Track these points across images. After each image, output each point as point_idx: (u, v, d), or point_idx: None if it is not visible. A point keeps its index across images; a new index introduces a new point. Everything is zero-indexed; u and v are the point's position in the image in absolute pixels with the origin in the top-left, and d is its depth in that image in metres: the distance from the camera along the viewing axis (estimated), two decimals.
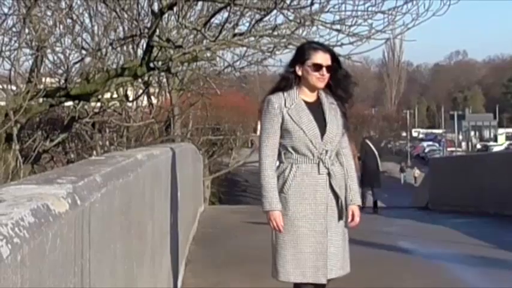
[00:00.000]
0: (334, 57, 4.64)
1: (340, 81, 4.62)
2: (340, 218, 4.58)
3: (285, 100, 4.52)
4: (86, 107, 10.77)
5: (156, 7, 8.28)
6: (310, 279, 4.49)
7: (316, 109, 4.56)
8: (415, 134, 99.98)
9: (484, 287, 7.25)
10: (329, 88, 4.61)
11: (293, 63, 4.61)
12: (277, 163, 4.61)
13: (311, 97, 4.60)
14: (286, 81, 4.59)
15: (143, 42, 9.11)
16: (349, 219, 4.62)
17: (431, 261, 8.61)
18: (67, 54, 9.25)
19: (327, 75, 4.53)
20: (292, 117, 4.49)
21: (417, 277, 7.49)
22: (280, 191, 4.51)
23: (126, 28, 9.46)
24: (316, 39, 8.43)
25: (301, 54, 4.61)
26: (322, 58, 4.53)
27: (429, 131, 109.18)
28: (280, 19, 8.46)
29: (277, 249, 4.55)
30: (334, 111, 4.59)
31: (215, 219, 13.61)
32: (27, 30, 8.61)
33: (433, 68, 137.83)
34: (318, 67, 4.51)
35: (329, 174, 4.51)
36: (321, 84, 4.55)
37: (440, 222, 12.65)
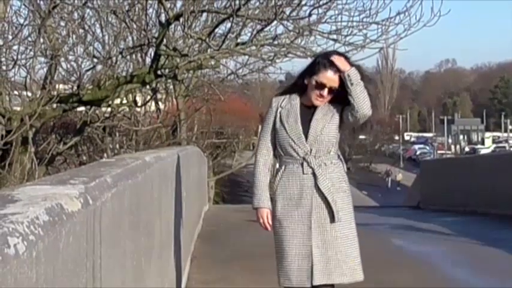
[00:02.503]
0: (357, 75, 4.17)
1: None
2: (332, 220, 4.18)
3: (284, 100, 4.34)
4: (97, 112, 10.78)
5: (163, 18, 8.30)
6: (294, 283, 4.17)
7: (309, 111, 4.29)
8: (407, 138, 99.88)
9: (472, 282, 7.25)
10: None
11: (304, 73, 4.35)
12: (277, 165, 4.44)
13: (311, 102, 4.31)
14: (294, 88, 4.39)
15: (151, 51, 9.12)
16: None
17: (423, 257, 8.61)
18: (79, 62, 9.27)
19: (327, 97, 4.24)
20: (282, 117, 4.30)
21: (409, 273, 7.48)
22: (271, 191, 4.33)
23: (135, 38, 9.47)
24: (313, 48, 8.46)
25: (312, 67, 4.31)
26: (328, 78, 4.20)
27: (420, 134, 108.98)
28: (280, 29, 8.48)
29: (275, 250, 4.32)
30: (329, 113, 4.27)
31: (219, 217, 13.61)
32: (42, 40, 8.62)
33: (424, 75, 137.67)
34: (320, 86, 4.22)
35: (314, 174, 4.20)
36: (319, 103, 4.26)
37: (430, 221, 12.65)
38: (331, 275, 4.16)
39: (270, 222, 4.29)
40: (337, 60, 4.20)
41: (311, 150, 4.23)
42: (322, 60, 4.33)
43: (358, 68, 4.28)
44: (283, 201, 4.27)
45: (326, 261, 4.16)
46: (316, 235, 4.17)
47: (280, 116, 4.31)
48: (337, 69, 4.20)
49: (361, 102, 4.13)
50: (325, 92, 4.22)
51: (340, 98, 4.22)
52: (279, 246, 4.26)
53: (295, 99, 4.33)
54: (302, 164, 4.23)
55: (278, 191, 4.29)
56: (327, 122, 4.26)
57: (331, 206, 4.18)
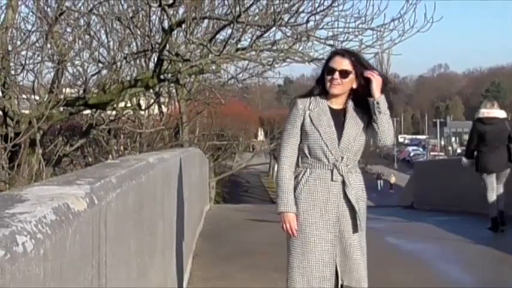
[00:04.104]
0: (362, 65, 4.05)
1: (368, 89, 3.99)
2: (355, 230, 4.02)
3: (310, 103, 4.04)
4: (102, 115, 10.79)
5: (166, 24, 8.30)
6: None
7: (339, 116, 4.03)
8: (401, 140, 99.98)
9: (464, 279, 7.25)
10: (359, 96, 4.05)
11: (322, 71, 4.14)
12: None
13: (338, 104, 4.07)
14: (316, 88, 4.10)
15: (154, 56, 9.14)
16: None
17: (416, 255, 8.61)
18: (85, 67, 9.29)
19: (339, 81, 3.98)
20: (312, 119, 3.99)
21: (403, 270, 7.48)
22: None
23: (139, 43, 9.48)
24: (311, 54, 8.47)
25: (326, 61, 4.16)
26: (336, 62, 4.01)
27: (414, 137, 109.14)
28: (278, 35, 8.49)
29: (288, 254, 4.07)
30: (361, 123, 4.04)
31: (220, 216, 13.59)
32: (49, 46, 8.63)
33: (418, 79, 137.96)
34: (331, 71, 3.99)
35: (344, 182, 3.97)
36: (334, 90, 4.01)
37: (424, 220, 12.64)
38: (355, 280, 4.04)
39: (297, 227, 4.01)
40: (376, 81, 3.96)
41: (342, 157, 3.99)
42: (332, 51, 4.27)
43: (387, 80, 4.09)
44: (306, 206, 4.01)
45: (354, 268, 4.03)
46: (342, 243, 4.01)
47: (311, 118, 4.01)
48: (343, 56, 4.06)
49: (385, 133, 4.00)
50: (336, 75, 3.97)
51: (366, 104, 4.02)
52: (299, 252, 4.01)
53: (323, 102, 4.05)
54: (332, 171, 3.98)
55: (302, 195, 4.02)
56: (359, 131, 4.04)
57: (356, 215, 4.01)
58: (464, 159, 10.92)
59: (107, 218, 2.36)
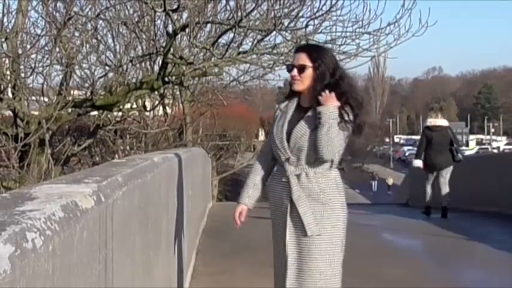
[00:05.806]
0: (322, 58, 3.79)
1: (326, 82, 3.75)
2: (305, 233, 3.68)
3: (284, 104, 3.89)
4: (109, 116, 10.78)
5: (170, 29, 8.30)
6: None
7: (302, 114, 3.79)
8: (396, 140, 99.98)
9: (457, 274, 7.24)
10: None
11: None
12: None
13: (306, 102, 3.83)
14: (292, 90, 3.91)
15: (159, 60, 9.13)
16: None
17: (411, 251, 8.61)
18: (92, 70, 9.29)
19: (297, 76, 3.75)
20: (276, 119, 3.87)
21: (397, 265, 7.47)
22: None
23: (144, 47, 9.48)
24: None
25: None
26: (294, 58, 3.84)
27: (409, 137, 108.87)
28: (279, 39, 8.49)
29: None
30: (315, 121, 3.68)
31: (222, 214, 13.58)
32: (57, 49, 8.63)
33: (413, 82, 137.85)
34: (290, 68, 3.82)
35: (288, 182, 3.73)
36: (295, 86, 3.80)
37: (418, 217, 12.62)
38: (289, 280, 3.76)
39: (242, 219, 4.00)
40: (324, 97, 3.68)
41: (290, 157, 3.74)
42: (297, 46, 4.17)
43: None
44: (271, 205, 3.91)
45: (298, 273, 3.72)
46: (292, 246, 3.74)
47: (276, 118, 3.89)
48: (298, 50, 3.90)
49: (321, 145, 3.62)
50: (294, 71, 3.76)
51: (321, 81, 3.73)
52: (275, 252, 3.93)
53: (293, 101, 3.87)
54: (281, 170, 3.80)
55: (269, 195, 3.92)
56: (309, 130, 3.72)
57: (302, 219, 3.68)
58: (414, 160, 12.87)
59: (114, 215, 2.36)
